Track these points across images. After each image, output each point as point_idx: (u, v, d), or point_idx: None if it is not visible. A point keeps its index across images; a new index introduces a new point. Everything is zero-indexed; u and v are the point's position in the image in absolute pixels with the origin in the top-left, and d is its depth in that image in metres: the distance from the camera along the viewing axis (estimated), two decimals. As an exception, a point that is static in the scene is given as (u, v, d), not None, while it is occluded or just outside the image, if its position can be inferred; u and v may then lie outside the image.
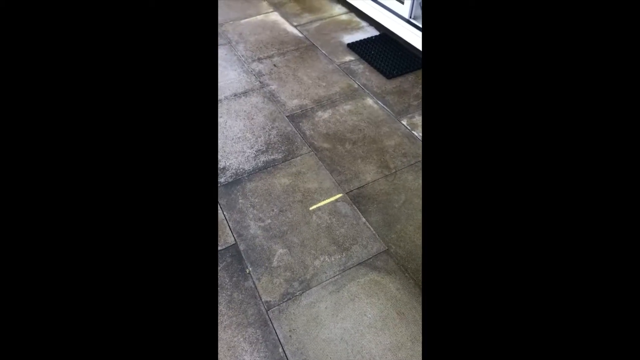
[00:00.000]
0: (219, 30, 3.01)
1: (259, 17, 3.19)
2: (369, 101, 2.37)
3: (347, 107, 2.33)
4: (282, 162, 2.00)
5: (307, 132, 2.16)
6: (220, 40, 2.90)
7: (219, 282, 1.51)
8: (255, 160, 2.00)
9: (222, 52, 2.78)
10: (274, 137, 2.14)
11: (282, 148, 2.07)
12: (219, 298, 1.47)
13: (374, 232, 1.68)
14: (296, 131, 2.17)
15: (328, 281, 1.52)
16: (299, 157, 2.02)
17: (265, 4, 3.37)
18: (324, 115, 2.27)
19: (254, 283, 1.51)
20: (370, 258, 1.59)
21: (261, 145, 2.08)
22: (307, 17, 3.19)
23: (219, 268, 1.56)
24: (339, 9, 3.30)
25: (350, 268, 1.56)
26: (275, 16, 3.21)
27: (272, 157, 2.02)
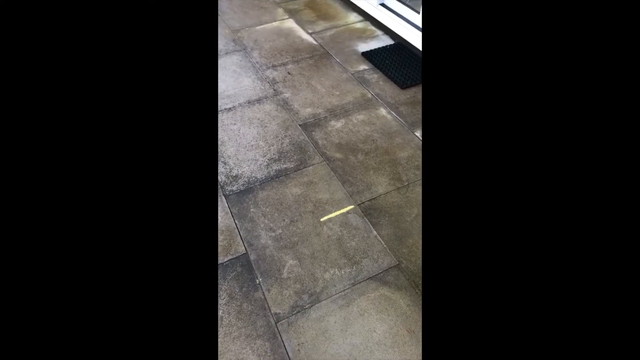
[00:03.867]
0: (235, 37, 3.03)
1: (275, 24, 3.21)
2: (383, 111, 2.36)
3: (360, 117, 2.32)
4: (294, 171, 2.00)
5: (320, 142, 2.16)
6: (235, 47, 2.92)
7: (229, 291, 1.52)
8: (267, 168, 2.01)
9: (237, 58, 2.80)
10: (287, 145, 2.14)
11: (295, 157, 2.07)
12: (229, 308, 1.47)
13: (385, 245, 1.67)
14: (309, 140, 2.17)
15: (338, 295, 1.51)
16: (311, 167, 2.02)
17: (280, 10, 3.39)
18: (336, 124, 2.27)
19: (263, 294, 1.51)
20: (380, 272, 1.58)
21: (274, 154, 2.09)
22: (322, 25, 3.20)
23: (229, 277, 1.56)
24: (354, 17, 3.30)
25: (360, 282, 1.55)
26: (290, 23, 3.22)
27: (285, 166, 2.03)
